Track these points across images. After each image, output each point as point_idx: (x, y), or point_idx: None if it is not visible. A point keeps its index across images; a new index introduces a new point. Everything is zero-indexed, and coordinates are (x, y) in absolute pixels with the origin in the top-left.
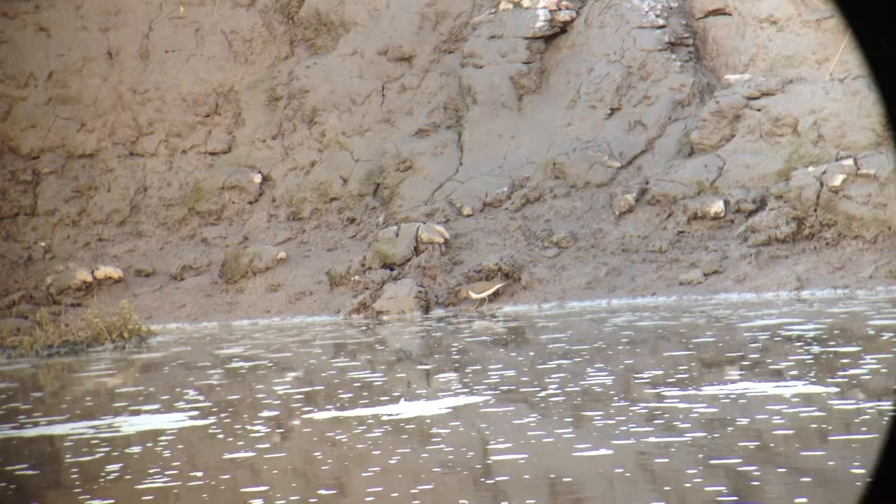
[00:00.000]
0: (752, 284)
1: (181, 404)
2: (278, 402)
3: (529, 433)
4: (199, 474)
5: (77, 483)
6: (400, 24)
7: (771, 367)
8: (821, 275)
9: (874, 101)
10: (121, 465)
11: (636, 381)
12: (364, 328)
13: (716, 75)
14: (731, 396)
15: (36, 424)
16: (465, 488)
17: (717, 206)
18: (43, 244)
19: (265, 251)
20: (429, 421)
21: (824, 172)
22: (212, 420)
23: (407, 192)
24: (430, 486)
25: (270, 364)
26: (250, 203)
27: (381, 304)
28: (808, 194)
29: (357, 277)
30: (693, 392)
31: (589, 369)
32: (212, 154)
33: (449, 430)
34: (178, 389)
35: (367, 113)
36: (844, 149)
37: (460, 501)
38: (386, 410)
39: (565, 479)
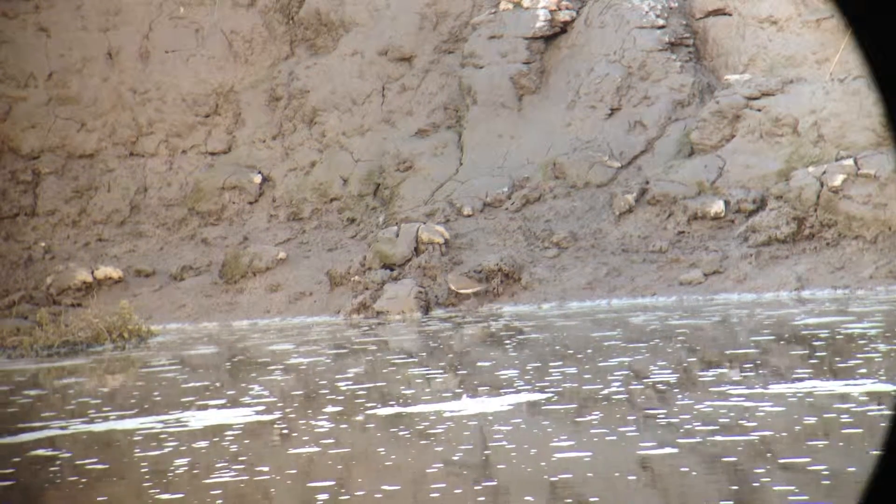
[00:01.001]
0: (753, 284)
1: (247, 399)
2: (341, 397)
3: (592, 431)
4: (266, 469)
5: (146, 477)
6: (400, 25)
7: (839, 365)
8: (821, 275)
9: (874, 101)
10: (188, 459)
11: (700, 378)
12: (375, 327)
13: (716, 75)
14: (799, 395)
15: (106, 419)
16: (529, 485)
17: (718, 207)
18: (43, 244)
19: (265, 251)
20: (491, 418)
21: (824, 172)
22: (277, 415)
23: (407, 192)
24: (494, 483)
25: (328, 360)
26: (250, 203)
27: (381, 304)
28: (808, 194)
29: (357, 278)
30: (759, 390)
31: (651, 367)
32: (212, 154)
33: (511, 428)
34: (242, 385)
35: (368, 113)
36: (844, 149)
37: (525, 498)
38: (448, 407)
39: (630, 478)
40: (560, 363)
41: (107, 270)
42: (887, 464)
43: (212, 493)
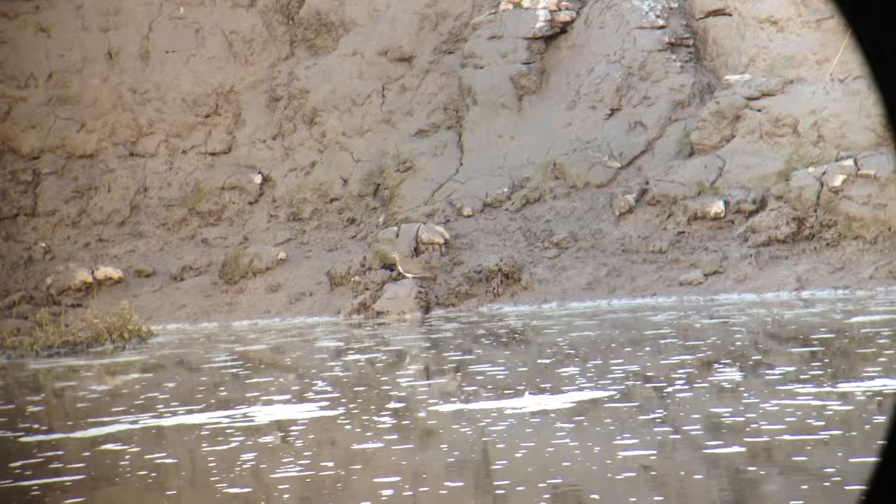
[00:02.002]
0: (753, 285)
1: (310, 395)
2: (403, 394)
3: (656, 429)
4: (331, 464)
5: (214, 472)
6: (400, 25)
7: None
8: (821, 275)
9: (874, 101)
10: (255, 454)
11: (767, 377)
12: (405, 325)
13: (716, 76)
14: (868, 394)
15: (174, 414)
16: (593, 484)
17: (718, 207)
18: (43, 245)
19: (265, 251)
20: (553, 415)
21: (824, 173)
22: (341, 411)
23: (407, 192)
24: (560, 480)
25: (384, 356)
26: (250, 203)
27: (382, 304)
28: (808, 195)
29: (357, 278)
30: (828, 389)
31: (715, 365)
32: (212, 154)
33: (573, 425)
34: (305, 381)
35: (368, 113)
36: (844, 149)
37: (592, 496)
38: (510, 404)
39: (696, 477)
40: (621, 361)
41: (107, 271)
42: (887, 464)
43: (279, 487)
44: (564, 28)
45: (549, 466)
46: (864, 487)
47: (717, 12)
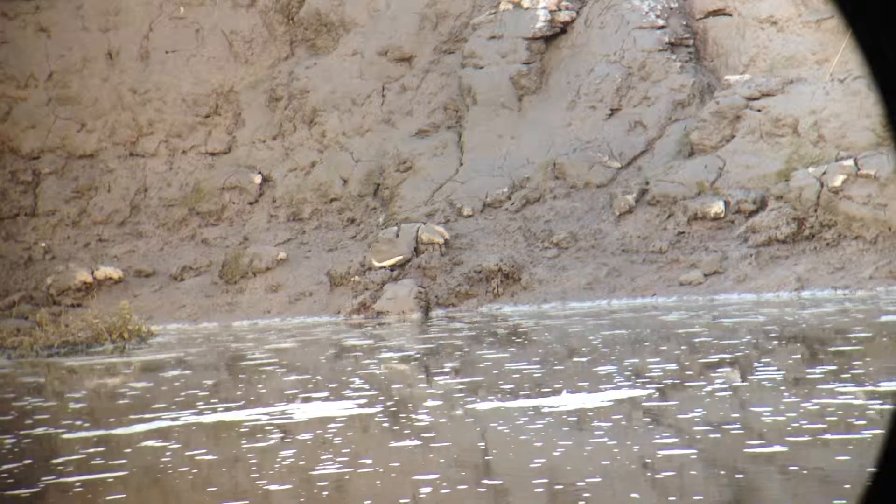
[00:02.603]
0: (753, 285)
1: (348, 392)
2: (440, 391)
3: (695, 428)
4: (369, 461)
5: (253, 468)
6: (400, 25)
7: None
8: (821, 275)
9: (874, 101)
10: (294, 450)
11: (808, 375)
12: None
13: (716, 76)
14: None
15: (214, 411)
16: (634, 482)
17: (718, 207)
18: (43, 245)
19: (265, 252)
20: (591, 413)
21: (824, 173)
22: (378, 409)
23: (407, 192)
24: (598, 480)
25: (418, 355)
26: (250, 203)
27: (382, 304)
28: (808, 195)
29: (357, 278)
30: (870, 388)
31: (755, 364)
32: (212, 154)
33: (611, 424)
34: (343, 378)
35: (368, 113)
36: (845, 149)
37: (631, 495)
38: (547, 402)
39: (737, 476)
40: (658, 359)
41: (107, 271)
42: (887, 464)
43: (318, 484)
44: (564, 28)
45: (588, 465)
46: (864, 487)
47: (717, 12)
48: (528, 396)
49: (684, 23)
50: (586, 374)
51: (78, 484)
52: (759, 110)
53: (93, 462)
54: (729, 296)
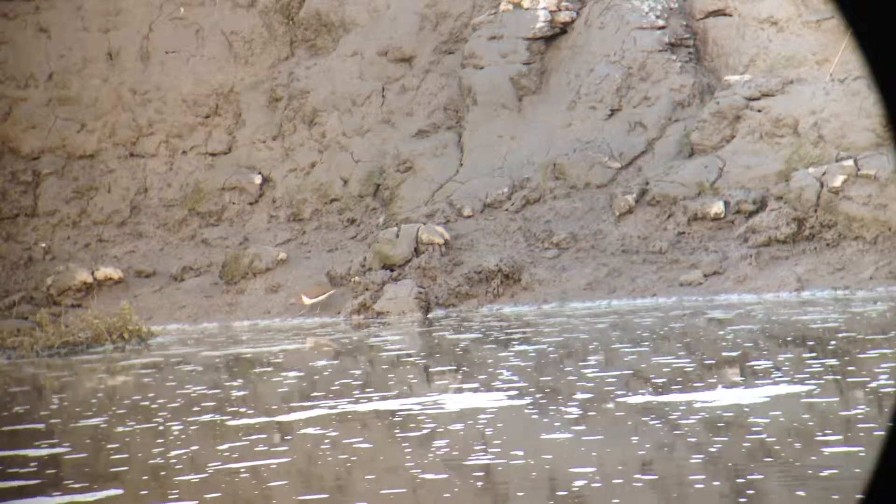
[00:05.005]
0: (753, 285)
1: (497, 384)
2: (590, 384)
3: (860, 425)
4: (520, 453)
5: (408, 457)
6: (400, 25)
7: None
8: (821, 276)
9: (874, 101)
10: (447, 440)
11: None
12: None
13: (716, 76)
14: None
15: (370, 400)
16: (798, 481)
17: (718, 207)
18: (43, 245)
19: (265, 252)
20: (746, 410)
21: (824, 173)
22: (528, 400)
23: (407, 192)
24: (759, 477)
25: (553, 348)
26: (250, 204)
27: (382, 304)
28: (808, 195)
29: (357, 278)
30: None
31: None
32: (212, 155)
33: (769, 420)
34: (490, 370)
35: (368, 114)
36: (845, 149)
37: (797, 493)
38: (700, 397)
39: None
40: (814, 354)
41: (107, 271)
42: (887, 464)
43: (473, 474)
44: (564, 28)
45: (750, 461)
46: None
47: (717, 12)
48: (680, 391)
49: (684, 23)
50: (740, 368)
51: (243, 470)
52: (759, 110)
53: (256, 449)
54: (729, 296)
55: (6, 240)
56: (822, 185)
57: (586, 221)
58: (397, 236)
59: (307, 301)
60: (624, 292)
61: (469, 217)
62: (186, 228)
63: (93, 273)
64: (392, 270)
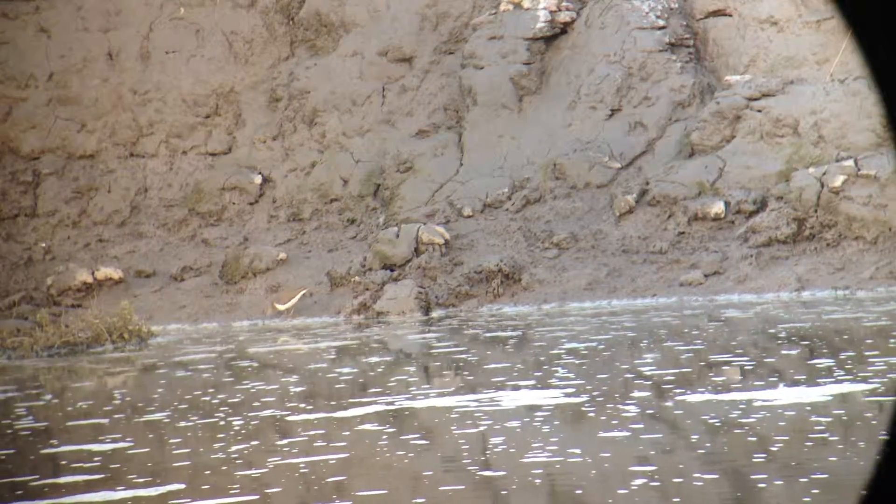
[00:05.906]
0: (753, 285)
1: (554, 381)
2: (648, 382)
3: None
4: (578, 451)
5: (465, 454)
6: (400, 25)
7: None
8: (821, 276)
9: (875, 101)
10: (503, 438)
11: None
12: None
13: (716, 76)
14: None
15: (426, 396)
16: (858, 478)
17: (718, 207)
18: (43, 245)
19: (265, 252)
20: (808, 408)
21: (825, 173)
22: (584, 398)
23: (407, 192)
24: (825, 477)
25: (601, 346)
26: (251, 204)
27: (382, 304)
28: (808, 195)
29: (357, 278)
30: None
31: None
32: (212, 155)
33: (831, 419)
34: (546, 367)
35: (368, 114)
36: (845, 150)
37: (861, 492)
38: (761, 395)
39: None
40: (877, 352)
41: (107, 271)
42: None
43: (532, 472)
44: (565, 28)
45: (814, 461)
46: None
47: (717, 13)
48: (740, 389)
49: (684, 23)
50: (801, 366)
51: (302, 465)
52: (759, 111)
53: (314, 444)
54: (729, 296)
55: (6, 240)
56: (822, 186)
57: (586, 221)
58: (397, 236)
59: (280, 307)
60: (624, 292)
61: (469, 217)
62: (186, 228)
63: (93, 273)
64: (392, 270)
